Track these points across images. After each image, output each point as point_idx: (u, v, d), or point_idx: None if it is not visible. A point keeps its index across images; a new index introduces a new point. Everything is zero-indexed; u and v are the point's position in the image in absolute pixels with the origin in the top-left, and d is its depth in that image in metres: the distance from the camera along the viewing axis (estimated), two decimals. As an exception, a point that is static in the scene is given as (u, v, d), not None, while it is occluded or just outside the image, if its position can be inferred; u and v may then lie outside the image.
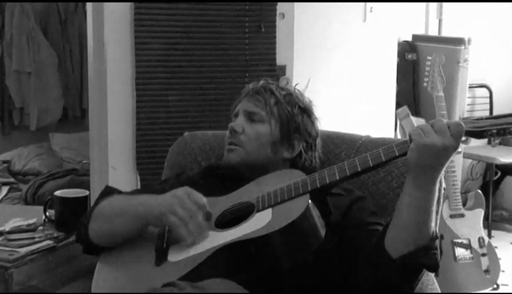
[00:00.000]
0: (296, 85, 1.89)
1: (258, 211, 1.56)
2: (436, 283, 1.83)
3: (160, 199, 1.58)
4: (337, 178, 1.51)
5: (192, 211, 1.53)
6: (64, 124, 5.13)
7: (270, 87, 1.82)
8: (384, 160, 1.48)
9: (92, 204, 1.81)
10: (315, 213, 1.50)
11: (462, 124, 1.40)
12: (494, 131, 1.41)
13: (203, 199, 1.56)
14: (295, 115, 1.79)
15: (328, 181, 1.52)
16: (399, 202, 1.49)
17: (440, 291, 1.79)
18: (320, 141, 1.86)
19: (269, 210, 1.54)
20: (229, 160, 1.79)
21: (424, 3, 4.77)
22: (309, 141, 1.81)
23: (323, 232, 1.49)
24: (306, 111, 1.82)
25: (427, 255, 1.47)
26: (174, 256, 1.54)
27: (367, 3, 3.64)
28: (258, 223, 1.51)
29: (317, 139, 1.84)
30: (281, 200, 1.54)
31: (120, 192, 1.82)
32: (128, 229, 1.64)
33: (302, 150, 1.80)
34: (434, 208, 1.47)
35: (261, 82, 1.85)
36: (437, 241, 1.50)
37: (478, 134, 1.43)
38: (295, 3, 3.34)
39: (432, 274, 1.85)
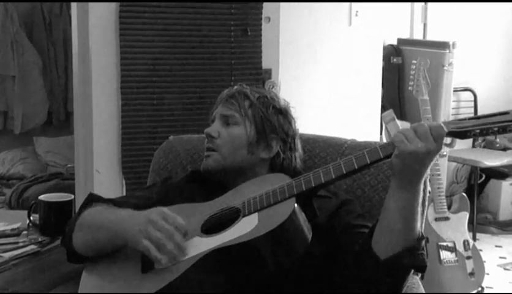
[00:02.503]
0: (270, 87, 1.90)
1: (244, 215, 1.55)
2: (421, 286, 1.83)
3: (135, 221, 1.55)
4: (322, 181, 1.52)
5: (169, 232, 1.51)
6: (49, 127, 5.11)
7: (244, 91, 1.83)
8: (368, 161, 1.48)
9: (76, 210, 1.79)
10: (301, 216, 1.50)
11: (443, 126, 1.41)
12: (477, 131, 1.41)
13: (179, 220, 1.54)
14: (270, 115, 1.80)
15: (314, 184, 1.52)
16: (385, 204, 1.50)
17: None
18: (299, 141, 1.86)
19: (255, 214, 1.53)
20: (206, 166, 1.80)
21: (409, 7, 4.79)
22: (287, 140, 1.81)
23: (309, 235, 1.50)
24: (282, 111, 1.83)
25: (414, 255, 1.48)
26: (159, 266, 1.53)
27: (353, 6, 3.65)
28: (244, 228, 1.51)
29: (296, 139, 1.84)
30: (267, 204, 1.53)
31: (104, 200, 1.81)
32: (109, 245, 1.63)
33: (280, 150, 1.80)
34: (419, 209, 1.48)
35: (235, 87, 1.87)
36: (423, 242, 1.51)
37: (461, 134, 1.43)
38: (281, 7, 3.34)
39: (418, 277, 1.86)
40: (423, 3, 4.82)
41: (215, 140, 1.79)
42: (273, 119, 1.80)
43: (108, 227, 1.62)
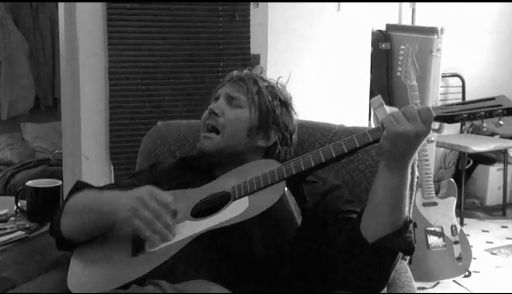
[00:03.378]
0: (278, 78, 1.90)
1: (235, 199, 1.56)
2: (409, 271, 1.84)
3: (125, 201, 1.55)
4: (312, 165, 1.52)
5: (157, 211, 1.51)
6: (36, 113, 5.07)
7: (253, 77, 1.84)
8: (358, 145, 1.49)
9: (65, 196, 1.79)
10: (292, 200, 1.50)
11: (431, 109, 1.43)
12: (465, 115, 1.44)
13: (168, 198, 1.55)
14: (275, 106, 1.81)
15: (304, 168, 1.53)
16: (373, 187, 1.51)
17: (412, 278, 1.80)
18: (296, 137, 1.87)
19: (246, 198, 1.54)
20: (204, 147, 1.79)
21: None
22: (285, 134, 1.82)
23: (299, 219, 1.50)
24: (286, 105, 1.85)
25: (402, 238, 1.49)
26: (151, 246, 1.53)
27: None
28: (234, 211, 1.51)
29: (294, 135, 1.86)
30: (257, 188, 1.54)
31: (91, 187, 1.80)
32: (98, 227, 1.63)
33: (278, 142, 1.81)
34: (407, 192, 1.49)
35: (245, 71, 1.87)
36: (411, 225, 1.52)
37: (448, 119, 1.45)
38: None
39: (406, 262, 1.87)
40: (411, -12, 4.82)
41: (218, 118, 1.78)
42: (277, 110, 1.81)
43: (95, 209, 1.62)
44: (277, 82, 1.88)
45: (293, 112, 1.86)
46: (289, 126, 1.83)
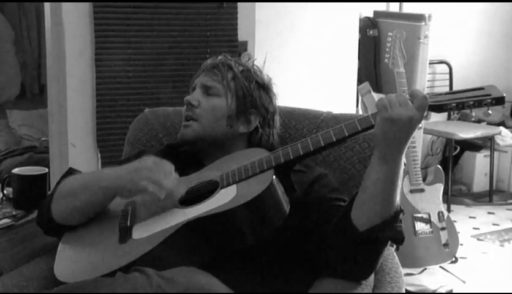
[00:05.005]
0: (254, 60, 1.89)
1: (223, 187, 1.56)
2: (396, 257, 1.85)
3: (129, 168, 1.58)
4: (301, 153, 1.52)
5: (162, 176, 1.54)
6: (22, 100, 5.04)
7: (228, 63, 1.82)
8: (347, 134, 1.49)
9: (51, 183, 1.78)
10: (280, 189, 1.50)
11: (427, 96, 1.43)
12: (454, 105, 1.45)
13: (171, 166, 1.57)
14: (252, 90, 1.79)
15: (292, 157, 1.53)
16: (366, 175, 1.51)
17: (399, 264, 1.81)
18: (278, 118, 1.86)
19: (234, 186, 1.54)
20: (184, 135, 1.79)
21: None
22: (266, 116, 1.81)
23: (287, 208, 1.50)
24: (264, 87, 1.83)
25: (392, 227, 1.50)
26: (138, 234, 1.53)
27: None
28: (222, 198, 1.51)
29: (275, 116, 1.84)
30: (245, 176, 1.54)
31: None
32: (93, 204, 1.62)
33: (259, 125, 1.80)
34: (400, 181, 1.49)
35: (220, 57, 1.85)
36: (402, 214, 1.52)
37: (437, 108, 1.46)
38: (257, -22, 3.31)
39: (393, 249, 1.87)
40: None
41: (195, 109, 1.78)
42: (255, 94, 1.79)
43: (93, 184, 1.63)
44: (253, 65, 1.86)
45: (271, 93, 1.84)
46: (269, 108, 1.81)
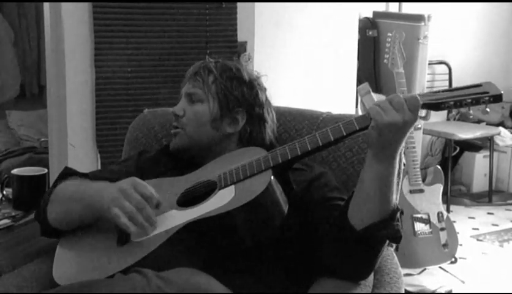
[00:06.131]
0: (246, 60, 1.88)
1: (221, 188, 1.55)
2: (396, 258, 1.85)
3: (109, 191, 1.54)
4: (299, 153, 1.52)
5: (140, 203, 1.50)
6: (22, 101, 5.04)
7: (208, 66, 1.81)
8: (344, 134, 1.48)
9: (51, 184, 1.78)
10: (278, 189, 1.50)
11: (418, 97, 1.42)
12: (451, 103, 1.43)
13: (150, 190, 1.53)
14: (233, 89, 1.78)
15: (290, 156, 1.52)
16: (361, 175, 1.50)
17: (399, 265, 1.81)
18: (270, 111, 1.84)
19: (232, 187, 1.53)
20: (174, 145, 1.81)
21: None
22: (253, 112, 1.79)
23: (285, 208, 1.50)
24: (246, 83, 1.80)
25: (390, 226, 1.49)
26: (137, 236, 1.53)
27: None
28: (220, 200, 1.51)
29: (264, 110, 1.81)
30: (243, 177, 1.53)
31: (78, 174, 1.79)
32: (82, 216, 1.62)
33: (247, 123, 1.79)
34: (395, 180, 1.49)
35: (201, 62, 1.85)
36: (399, 213, 1.52)
37: (435, 106, 1.45)
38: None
39: (392, 249, 1.87)
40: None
41: (180, 119, 1.79)
42: (237, 92, 1.78)
43: (82, 198, 1.61)
44: (236, 63, 1.85)
45: (257, 88, 1.81)
46: (255, 103, 1.80)
